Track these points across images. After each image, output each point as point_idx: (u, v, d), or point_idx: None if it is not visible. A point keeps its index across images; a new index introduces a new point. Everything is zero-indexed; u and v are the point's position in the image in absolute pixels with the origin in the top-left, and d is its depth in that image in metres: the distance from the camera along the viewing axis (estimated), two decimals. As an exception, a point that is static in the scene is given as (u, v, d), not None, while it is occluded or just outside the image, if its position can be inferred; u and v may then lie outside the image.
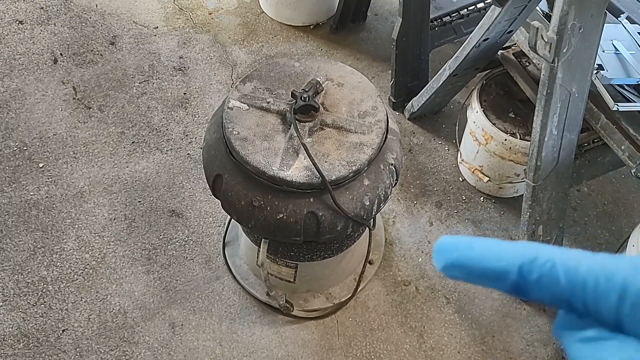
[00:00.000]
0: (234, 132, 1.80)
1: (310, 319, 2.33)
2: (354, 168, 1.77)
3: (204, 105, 2.93)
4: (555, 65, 1.79)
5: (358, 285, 2.34)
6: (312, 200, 1.78)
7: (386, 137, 1.88)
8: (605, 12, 1.79)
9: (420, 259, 2.51)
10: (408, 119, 2.92)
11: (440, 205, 2.66)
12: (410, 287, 2.44)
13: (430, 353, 2.29)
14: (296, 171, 1.75)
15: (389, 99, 2.93)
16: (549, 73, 1.84)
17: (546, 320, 2.38)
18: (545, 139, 1.99)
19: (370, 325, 2.34)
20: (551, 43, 1.74)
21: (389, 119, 1.92)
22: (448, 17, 2.83)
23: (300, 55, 3.10)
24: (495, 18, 2.06)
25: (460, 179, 2.75)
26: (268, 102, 1.86)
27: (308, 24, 3.29)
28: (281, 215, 1.78)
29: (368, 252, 2.27)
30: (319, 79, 1.89)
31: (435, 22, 2.81)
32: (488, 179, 2.57)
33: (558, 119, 1.96)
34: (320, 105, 1.85)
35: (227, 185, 1.83)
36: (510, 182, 2.57)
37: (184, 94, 2.97)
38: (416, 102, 2.81)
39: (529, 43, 1.80)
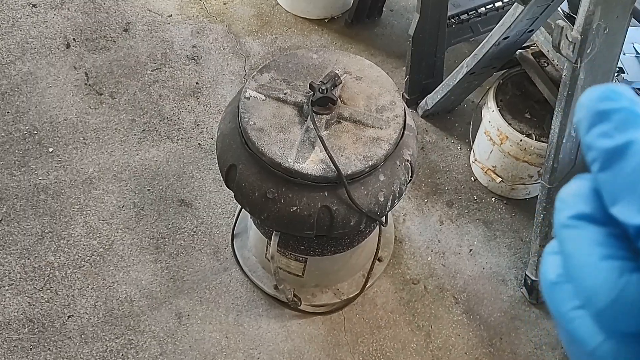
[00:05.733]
0: (250, 123, 1.78)
1: (317, 314, 2.31)
2: (370, 163, 1.75)
3: (216, 96, 2.91)
4: (578, 66, 1.77)
5: (366, 281, 2.32)
6: (326, 194, 1.76)
7: (403, 133, 1.86)
8: (631, 14, 1.76)
9: (429, 258, 2.49)
10: (421, 117, 2.89)
11: (451, 204, 2.64)
12: (419, 285, 2.42)
13: (437, 353, 2.27)
14: (312, 164, 1.73)
15: (402, 95, 2.90)
16: (571, 74, 1.81)
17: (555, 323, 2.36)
18: (564, 141, 1.96)
19: (378, 323, 2.32)
20: (575, 43, 1.71)
21: (407, 115, 1.90)
22: (466, 15, 2.80)
23: (318, 47, 3.08)
24: (518, 16, 2.03)
25: (472, 178, 2.73)
26: (285, 93, 1.84)
27: (323, 18, 3.27)
28: (295, 209, 1.76)
29: (377, 249, 2.25)
30: (337, 72, 1.86)
31: (452, 20, 2.78)
32: (501, 179, 2.55)
33: (577, 120, 1.93)
34: (338, 98, 1.83)
35: (241, 176, 1.81)
36: (523, 184, 2.55)
37: (196, 83, 2.95)
38: (430, 100, 2.79)
39: (552, 42, 1.78)
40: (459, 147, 2.82)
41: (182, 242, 2.45)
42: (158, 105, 2.85)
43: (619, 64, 2.01)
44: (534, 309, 2.39)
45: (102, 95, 2.86)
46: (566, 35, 1.72)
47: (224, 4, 3.29)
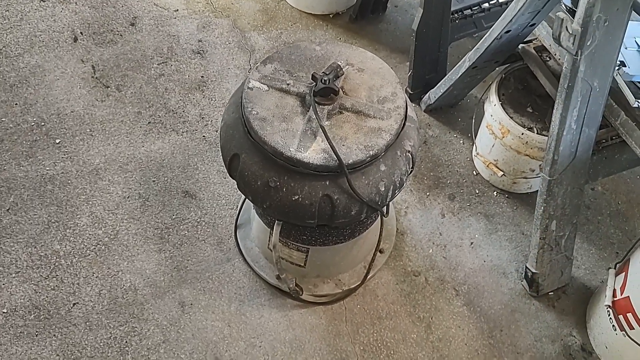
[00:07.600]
0: (253, 112, 1.81)
1: (318, 304, 2.33)
2: (371, 153, 1.77)
3: (221, 89, 2.94)
4: (578, 58, 1.79)
5: (368, 273, 2.34)
6: (327, 183, 1.78)
7: (404, 124, 1.88)
8: (631, 7, 1.77)
9: (431, 250, 2.51)
10: (424, 111, 2.91)
11: (453, 197, 2.66)
12: (420, 277, 2.44)
13: (437, 344, 2.29)
14: (313, 153, 1.75)
15: (405, 90, 2.92)
16: (571, 66, 1.83)
17: (555, 316, 2.38)
18: (564, 133, 1.98)
19: (379, 314, 2.34)
20: (575, 35, 1.73)
21: (408, 106, 1.92)
22: (469, 10, 2.82)
23: (321, 39, 3.11)
24: (519, 9, 2.05)
25: (474, 172, 2.74)
26: (288, 84, 1.86)
27: (328, 13, 3.29)
28: (296, 197, 1.79)
29: (379, 241, 2.28)
30: (339, 63, 1.88)
31: (455, 15, 2.80)
32: (502, 173, 2.56)
33: (578, 113, 1.95)
34: (340, 89, 1.85)
35: (243, 165, 1.84)
36: (525, 178, 2.56)
37: (202, 77, 2.98)
38: (433, 95, 2.80)
39: (552, 34, 1.79)
40: (461, 142, 2.84)
41: (186, 232, 2.48)
42: (164, 99, 2.88)
43: (620, 58, 2.02)
44: (534, 301, 2.40)
45: (109, 88, 2.89)
46: (566, 27, 1.74)
47: (230, -2, 3.32)
